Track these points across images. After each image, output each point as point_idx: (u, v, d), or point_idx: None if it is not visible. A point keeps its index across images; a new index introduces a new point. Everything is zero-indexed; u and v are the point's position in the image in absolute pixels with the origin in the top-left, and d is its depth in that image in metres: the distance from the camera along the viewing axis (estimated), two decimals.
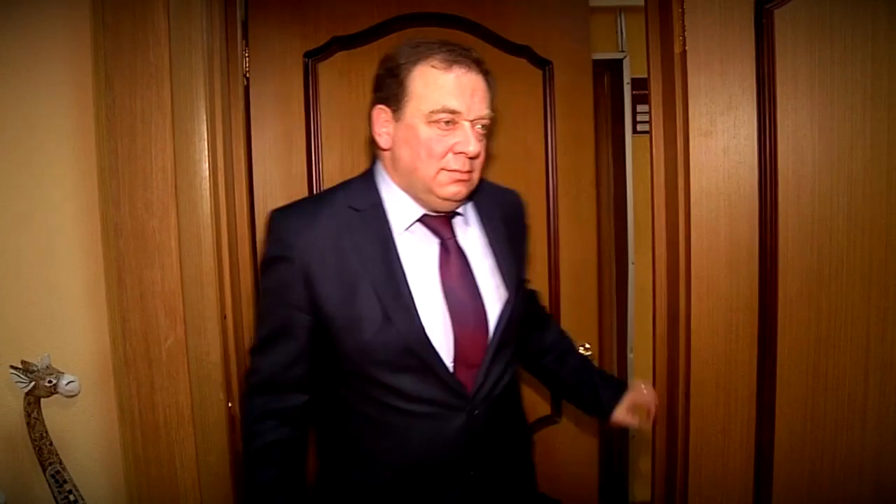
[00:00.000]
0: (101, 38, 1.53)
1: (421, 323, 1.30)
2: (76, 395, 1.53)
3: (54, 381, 1.51)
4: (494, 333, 1.37)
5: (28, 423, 1.51)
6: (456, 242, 1.39)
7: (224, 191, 1.68)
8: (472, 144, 1.27)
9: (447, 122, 1.27)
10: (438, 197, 1.31)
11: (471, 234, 1.44)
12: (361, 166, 1.84)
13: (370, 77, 1.84)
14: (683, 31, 1.68)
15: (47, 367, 1.52)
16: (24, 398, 1.51)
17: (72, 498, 1.51)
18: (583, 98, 2.17)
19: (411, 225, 1.36)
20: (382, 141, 1.36)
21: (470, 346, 1.35)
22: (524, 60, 2.13)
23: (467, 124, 1.27)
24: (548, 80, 2.15)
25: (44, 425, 1.52)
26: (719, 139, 1.68)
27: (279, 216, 1.37)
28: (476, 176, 1.34)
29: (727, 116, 1.67)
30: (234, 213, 1.79)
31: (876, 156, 1.66)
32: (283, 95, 1.94)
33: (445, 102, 1.26)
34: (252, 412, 1.40)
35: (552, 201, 2.17)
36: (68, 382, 1.50)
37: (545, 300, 2.12)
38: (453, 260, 1.37)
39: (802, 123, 1.66)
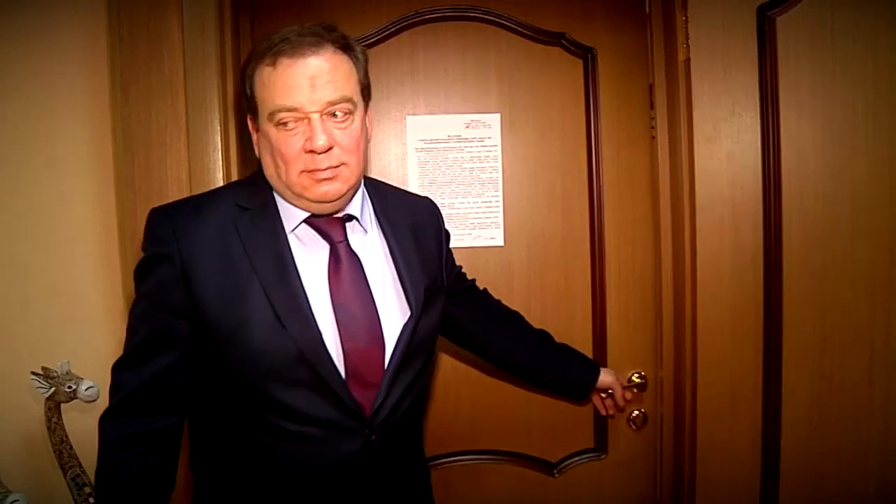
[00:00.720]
0: (118, 52, 1.64)
1: (318, 328, 1.23)
2: (95, 400, 1.61)
3: (74, 387, 1.61)
4: (394, 351, 1.30)
5: (49, 428, 1.62)
6: (348, 247, 1.31)
7: None
8: (318, 138, 1.18)
9: (287, 123, 1.20)
10: (310, 200, 1.25)
11: (370, 242, 1.36)
12: (371, 174, 1.92)
13: (377, 79, 1.92)
14: (687, 38, 1.77)
15: (67, 373, 1.63)
16: (45, 403, 1.61)
17: (91, 501, 1.59)
18: (635, 88, 2.00)
19: (297, 226, 1.29)
20: (256, 151, 1.32)
21: (363, 363, 1.27)
22: (559, 49, 1.99)
23: (315, 116, 1.19)
24: (590, 70, 2.00)
25: (64, 430, 1.62)
26: (723, 145, 1.76)
27: (158, 213, 1.29)
28: (349, 170, 1.24)
29: (731, 122, 1.76)
30: None
31: (878, 159, 1.75)
32: None
33: (278, 101, 1.19)
34: (110, 437, 1.25)
35: (596, 207, 2.02)
36: (87, 388, 1.59)
37: (587, 321, 2.04)
38: (345, 267, 1.29)
39: (805, 128, 1.75)
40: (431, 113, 1.98)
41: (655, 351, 2.04)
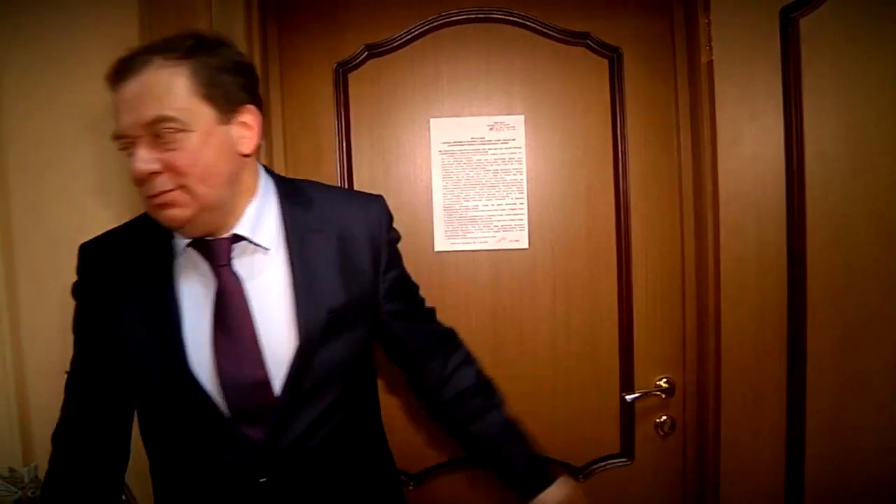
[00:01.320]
0: None
1: (185, 356, 1.22)
2: None
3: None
4: (284, 388, 1.26)
5: None
6: (231, 272, 1.26)
7: None
8: (137, 161, 1.15)
9: (126, 148, 1.18)
10: (165, 225, 1.23)
11: (270, 262, 1.30)
12: (391, 175, 2.04)
13: (400, 82, 2.02)
14: (710, 41, 1.84)
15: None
16: None
17: None
18: (660, 89, 2.06)
19: (184, 251, 1.28)
20: None
21: (247, 398, 1.25)
22: (584, 50, 2.06)
23: (140, 141, 1.15)
24: (615, 70, 2.06)
25: None
26: (746, 147, 1.83)
27: (82, 248, 1.36)
28: (189, 194, 1.18)
29: (754, 124, 1.83)
30: None
31: None
32: (312, 109, 2.08)
33: (115, 127, 1.18)
34: (51, 462, 1.36)
35: (622, 209, 2.08)
36: None
37: (614, 325, 2.10)
38: (227, 294, 1.25)
39: (829, 129, 1.81)
40: (455, 115, 2.06)
41: (683, 355, 2.10)
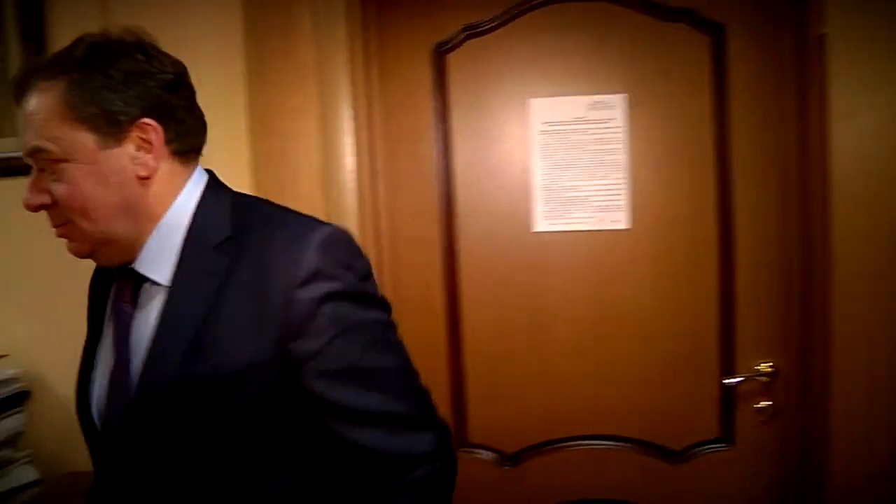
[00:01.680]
0: (253, 43, 1.84)
1: (86, 389, 1.16)
2: None
3: None
4: (121, 448, 1.10)
5: None
6: (130, 310, 1.12)
7: (368, 183, 1.97)
8: (26, 193, 1.06)
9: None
10: None
11: (159, 303, 1.09)
12: (490, 156, 2.08)
13: (499, 62, 2.05)
14: (822, 11, 1.77)
15: None
16: None
17: None
18: (766, 65, 1.99)
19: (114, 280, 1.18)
20: None
21: (111, 445, 1.12)
22: (684, 26, 2.01)
23: (34, 170, 1.06)
24: (719, 47, 2.01)
25: None
26: (862, 122, 1.75)
27: None
28: (77, 229, 1.06)
29: (871, 99, 1.75)
30: (377, 205, 2.07)
31: None
32: (410, 90, 2.11)
33: None
34: None
35: (725, 188, 2.03)
36: None
37: (714, 307, 2.06)
38: (123, 332, 1.12)
39: None
40: (554, 95, 2.07)
41: (787, 340, 2.05)
